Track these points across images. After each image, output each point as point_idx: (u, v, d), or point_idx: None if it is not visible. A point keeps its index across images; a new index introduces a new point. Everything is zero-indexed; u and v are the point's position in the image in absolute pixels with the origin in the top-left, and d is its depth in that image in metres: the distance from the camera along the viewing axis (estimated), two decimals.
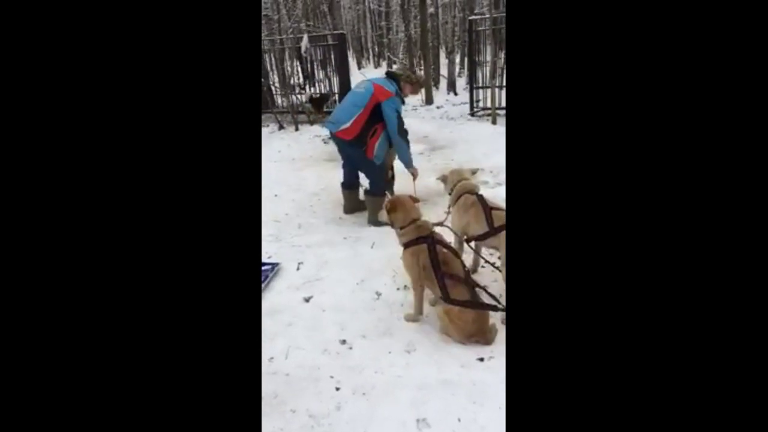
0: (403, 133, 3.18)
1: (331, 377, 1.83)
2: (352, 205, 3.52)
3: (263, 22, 9.30)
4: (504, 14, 6.70)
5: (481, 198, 2.38)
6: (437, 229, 2.20)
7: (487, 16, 6.53)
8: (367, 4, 17.51)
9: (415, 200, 2.26)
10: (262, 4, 11.57)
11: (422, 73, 8.79)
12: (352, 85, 3.60)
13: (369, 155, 3.14)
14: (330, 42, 7.38)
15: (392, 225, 2.22)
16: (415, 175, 3.39)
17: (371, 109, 3.02)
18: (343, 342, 2.05)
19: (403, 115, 3.23)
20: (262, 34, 8.17)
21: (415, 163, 4.62)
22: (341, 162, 3.47)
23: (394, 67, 3.33)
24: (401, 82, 3.21)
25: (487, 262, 2.38)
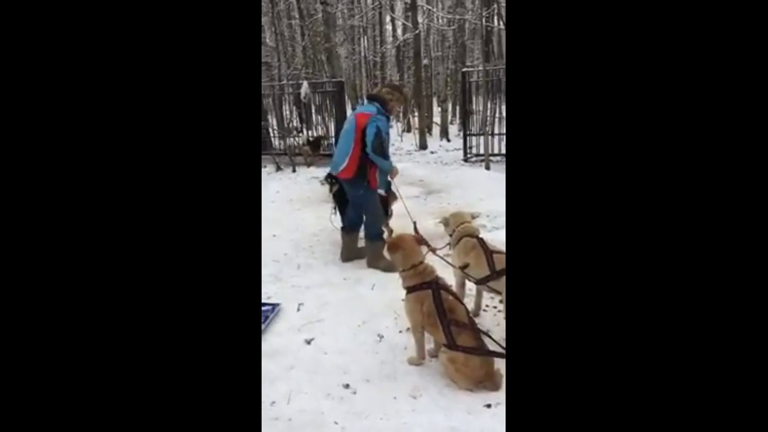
0: (379, 150, 2.98)
1: (336, 423, 1.78)
2: (352, 252, 3.41)
3: (263, 68, 9.63)
4: (494, 67, 7.06)
5: (481, 241, 2.41)
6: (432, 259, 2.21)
7: (480, 68, 6.88)
8: (362, 54, 18.35)
9: (420, 240, 2.27)
10: (263, 51, 12.01)
11: (417, 119, 9.10)
12: None
13: (373, 186, 3.16)
14: (329, 89, 7.66)
15: (395, 265, 2.21)
16: (393, 175, 3.34)
17: (360, 140, 3.00)
18: (347, 386, 2.00)
19: (389, 133, 3.14)
20: (263, 80, 8.47)
21: (412, 206, 4.69)
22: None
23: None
24: (384, 101, 3.15)
25: (493, 291, 2.34)
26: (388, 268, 3.12)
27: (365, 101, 3.33)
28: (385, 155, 3.09)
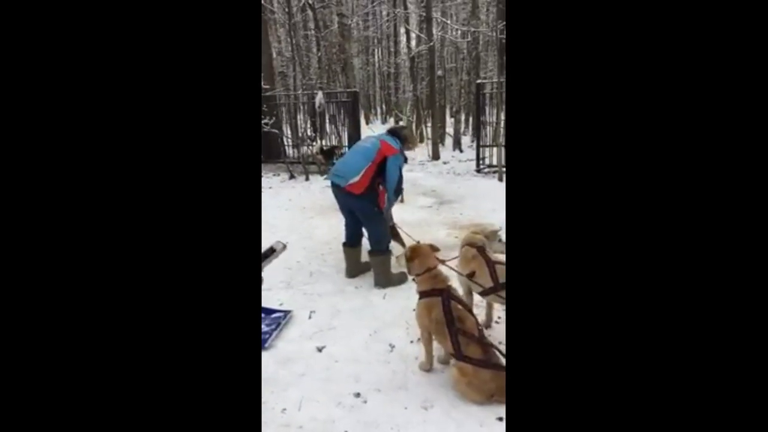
0: (399, 191, 3.22)
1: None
2: (356, 267, 3.34)
3: (279, 78, 9.77)
4: None
5: (482, 251, 2.39)
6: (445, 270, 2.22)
7: (495, 80, 6.91)
8: (377, 65, 18.54)
9: (435, 249, 2.28)
10: (279, 61, 12.17)
11: (430, 130, 9.14)
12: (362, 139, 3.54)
13: (381, 206, 3.11)
14: (343, 99, 7.75)
15: (409, 272, 2.25)
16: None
17: (378, 163, 3.00)
18: (358, 395, 1.99)
19: (404, 172, 3.26)
20: (278, 89, 8.60)
21: (424, 216, 4.70)
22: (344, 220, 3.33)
23: (401, 123, 3.29)
24: (406, 141, 3.24)
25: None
26: (398, 281, 3.12)
27: (385, 132, 3.29)
28: (398, 195, 3.31)
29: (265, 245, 3.84)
